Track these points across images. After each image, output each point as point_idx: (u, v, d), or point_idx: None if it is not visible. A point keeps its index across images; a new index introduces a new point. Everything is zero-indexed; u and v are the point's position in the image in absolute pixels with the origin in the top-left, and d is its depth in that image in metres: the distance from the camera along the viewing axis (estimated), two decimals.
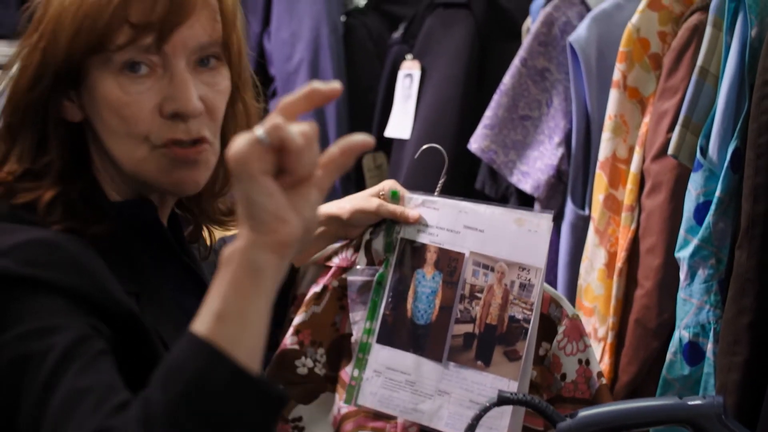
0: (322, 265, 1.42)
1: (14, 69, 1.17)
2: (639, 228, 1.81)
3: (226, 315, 0.86)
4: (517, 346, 1.33)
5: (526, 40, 2.14)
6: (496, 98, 2.15)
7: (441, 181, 1.43)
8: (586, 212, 2.01)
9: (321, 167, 0.88)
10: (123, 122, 1.13)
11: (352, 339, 1.39)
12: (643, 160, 1.81)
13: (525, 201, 2.15)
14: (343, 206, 1.39)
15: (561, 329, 1.37)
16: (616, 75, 1.87)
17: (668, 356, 1.65)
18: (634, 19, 1.85)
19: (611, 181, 1.88)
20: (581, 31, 2.00)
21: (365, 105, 2.64)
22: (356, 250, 1.41)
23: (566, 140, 2.08)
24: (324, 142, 2.48)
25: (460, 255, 1.36)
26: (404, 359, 1.36)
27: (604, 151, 1.89)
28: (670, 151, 1.66)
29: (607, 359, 1.83)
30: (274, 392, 0.88)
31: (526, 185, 2.11)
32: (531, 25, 2.20)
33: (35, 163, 1.14)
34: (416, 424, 1.37)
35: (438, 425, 1.34)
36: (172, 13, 1.11)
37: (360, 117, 2.65)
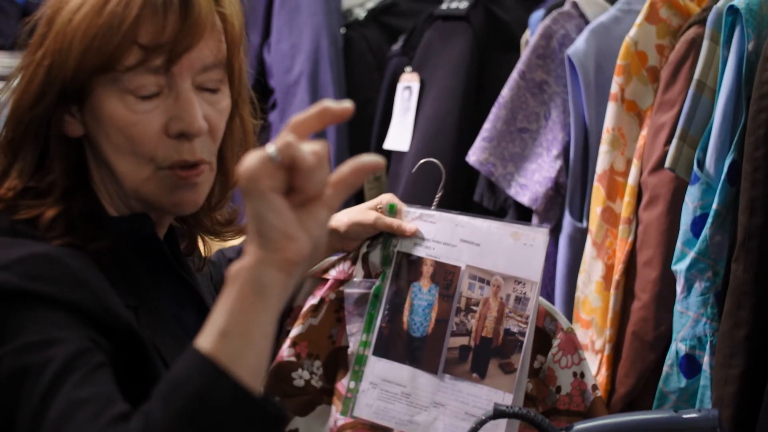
0: (320, 278, 1.43)
1: (15, 83, 1.17)
2: (636, 240, 1.81)
3: (230, 332, 0.86)
4: (513, 358, 1.33)
5: (525, 53, 2.14)
6: (495, 111, 2.15)
7: (438, 195, 1.44)
8: (584, 225, 2.01)
9: (331, 186, 0.89)
10: (129, 141, 1.13)
11: (349, 351, 1.39)
12: (641, 173, 1.82)
13: (523, 213, 2.15)
14: (340, 219, 1.40)
15: (556, 342, 1.38)
16: (614, 88, 1.87)
17: (665, 369, 1.66)
18: (632, 32, 1.85)
19: (609, 193, 1.88)
20: (579, 44, 2.01)
21: (364, 117, 2.64)
22: (353, 262, 1.41)
23: (564, 153, 2.08)
24: None
25: (457, 268, 1.37)
26: (400, 371, 1.37)
27: (601, 164, 1.89)
28: (667, 164, 1.67)
29: (604, 371, 1.83)
30: (275, 411, 0.88)
31: (524, 198, 2.11)
32: (530, 38, 2.21)
33: (37, 179, 1.14)
34: None
35: None
36: (182, 36, 1.11)
37: (359, 129, 2.65)
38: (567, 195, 2.07)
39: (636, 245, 1.81)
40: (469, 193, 2.28)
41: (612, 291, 1.83)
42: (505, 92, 2.15)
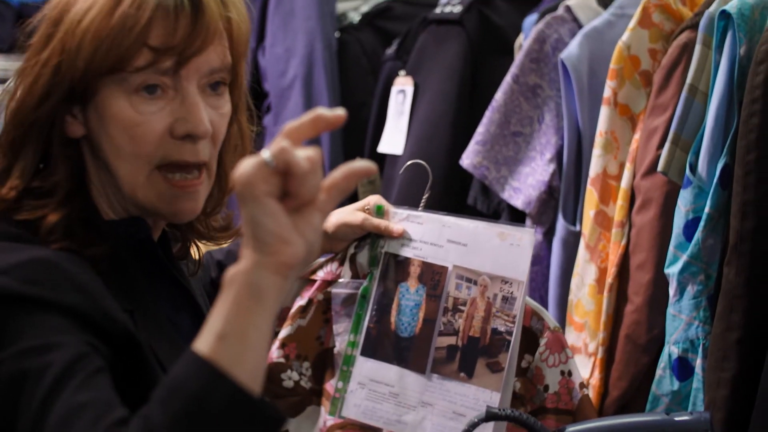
0: (307, 279, 1.43)
1: (13, 84, 1.17)
2: (629, 244, 1.81)
3: (228, 335, 0.87)
4: (500, 357, 1.33)
5: (518, 57, 2.15)
6: (488, 114, 2.15)
7: (425, 197, 1.44)
8: (577, 228, 2.01)
9: (324, 191, 0.90)
10: (131, 142, 1.14)
11: (335, 350, 1.40)
12: (634, 177, 1.82)
13: (516, 217, 2.15)
14: (328, 220, 1.39)
15: (543, 341, 1.38)
16: (607, 92, 1.87)
17: (657, 372, 1.66)
18: (625, 36, 1.86)
19: (602, 197, 1.88)
20: (573, 49, 2.01)
21: (359, 120, 2.64)
22: (341, 263, 1.42)
23: (557, 156, 2.08)
24: None
25: (444, 268, 1.37)
26: (388, 371, 1.37)
27: (594, 168, 1.89)
28: (659, 167, 1.67)
29: (597, 374, 1.83)
30: (274, 413, 0.89)
31: (518, 201, 2.11)
32: (523, 42, 2.21)
33: (40, 180, 1.15)
34: None
35: None
36: (192, 40, 1.12)
37: (353, 132, 2.64)
38: (560, 198, 2.07)
39: (629, 248, 1.81)
40: (463, 197, 2.28)
41: (605, 294, 1.83)
42: (499, 96, 2.15)
